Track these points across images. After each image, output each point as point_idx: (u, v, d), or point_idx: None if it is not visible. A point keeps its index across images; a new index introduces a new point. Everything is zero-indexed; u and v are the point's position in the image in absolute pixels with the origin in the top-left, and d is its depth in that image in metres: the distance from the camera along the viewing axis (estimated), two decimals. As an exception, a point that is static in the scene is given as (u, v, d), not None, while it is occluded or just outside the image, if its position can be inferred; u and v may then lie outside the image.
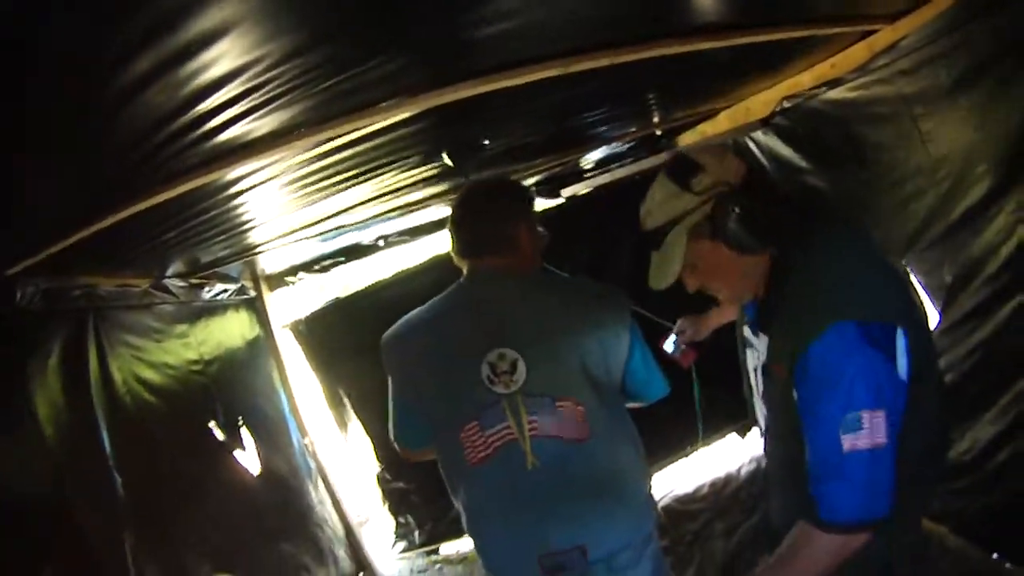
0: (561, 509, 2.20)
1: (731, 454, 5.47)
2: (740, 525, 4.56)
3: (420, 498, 5.39)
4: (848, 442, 1.73)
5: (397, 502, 5.50)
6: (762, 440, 2.37)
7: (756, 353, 2.16)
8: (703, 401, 3.68)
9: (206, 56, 1.40)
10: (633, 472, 2.33)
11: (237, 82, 1.56)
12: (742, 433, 5.42)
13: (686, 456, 5.42)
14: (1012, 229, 2.73)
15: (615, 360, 2.26)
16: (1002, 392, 2.98)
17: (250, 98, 1.66)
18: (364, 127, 2.07)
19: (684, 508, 5.02)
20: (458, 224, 2.36)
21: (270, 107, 1.74)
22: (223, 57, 1.43)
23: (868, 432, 1.72)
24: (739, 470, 5.27)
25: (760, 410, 2.28)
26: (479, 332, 2.21)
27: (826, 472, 1.80)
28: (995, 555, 3.21)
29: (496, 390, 2.17)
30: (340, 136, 2.10)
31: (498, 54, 1.95)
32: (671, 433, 5.02)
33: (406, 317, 2.38)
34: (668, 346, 3.15)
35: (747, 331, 2.23)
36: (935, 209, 3.06)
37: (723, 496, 5.05)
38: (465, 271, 2.37)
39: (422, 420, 2.34)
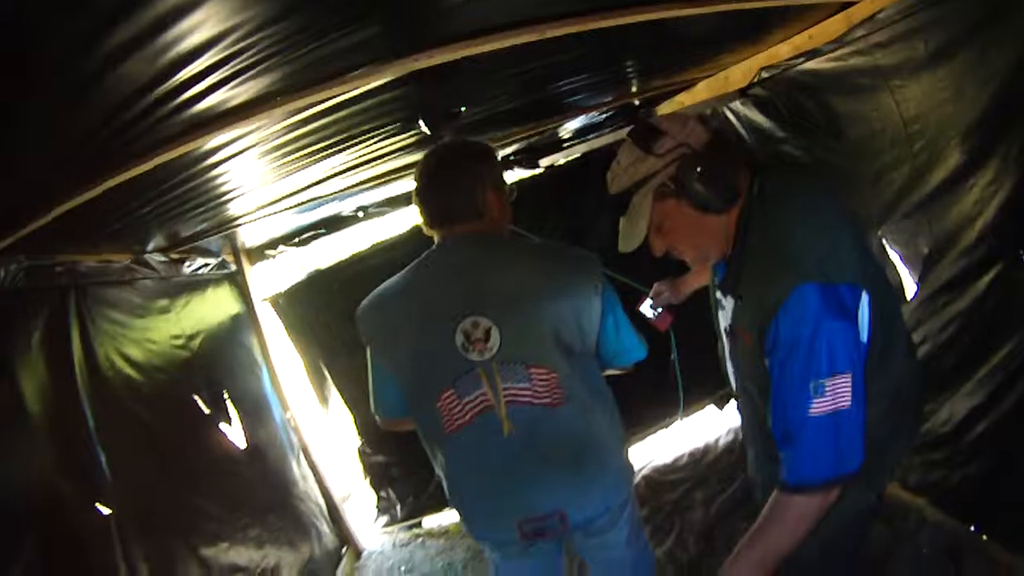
0: (539, 475, 2.24)
1: (709, 425, 5.54)
2: (719, 495, 4.61)
3: (401, 471, 5.41)
4: (813, 408, 1.79)
5: (378, 476, 5.53)
6: (735, 398, 2.44)
7: (725, 315, 2.23)
8: (681, 366, 3.72)
9: (181, 27, 1.40)
10: (609, 438, 2.36)
11: (212, 52, 1.56)
12: (720, 405, 5.49)
13: (666, 427, 5.50)
14: (988, 200, 2.75)
15: (588, 325, 2.27)
16: (979, 364, 3.00)
17: (226, 67, 1.67)
18: (341, 94, 2.07)
19: (663, 478, 5.06)
20: (423, 193, 2.35)
21: (246, 75, 1.75)
22: (198, 27, 1.44)
23: (831, 397, 1.78)
24: (717, 440, 5.32)
25: (731, 370, 2.37)
26: (452, 300, 2.21)
27: (792, 436, 1.86)
28: (972, 528, 3.26)
29: (471, 357, 2.18)
30: (317, 103, 2.09)
31: (473, 20, 1.95)
32: (651, 404, 5.09)
33: (380, 287, 2.37)
34: (645, 309, 3.19)
35: (718, 293, 2.29)
36: (911, 180, 3.07)
37: (702, 466, 5.10)
38: (436, 239, 2.36)
39: (399, 388, 2.35)
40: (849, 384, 1.78)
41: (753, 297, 1.95)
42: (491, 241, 2.32)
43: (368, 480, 5.58)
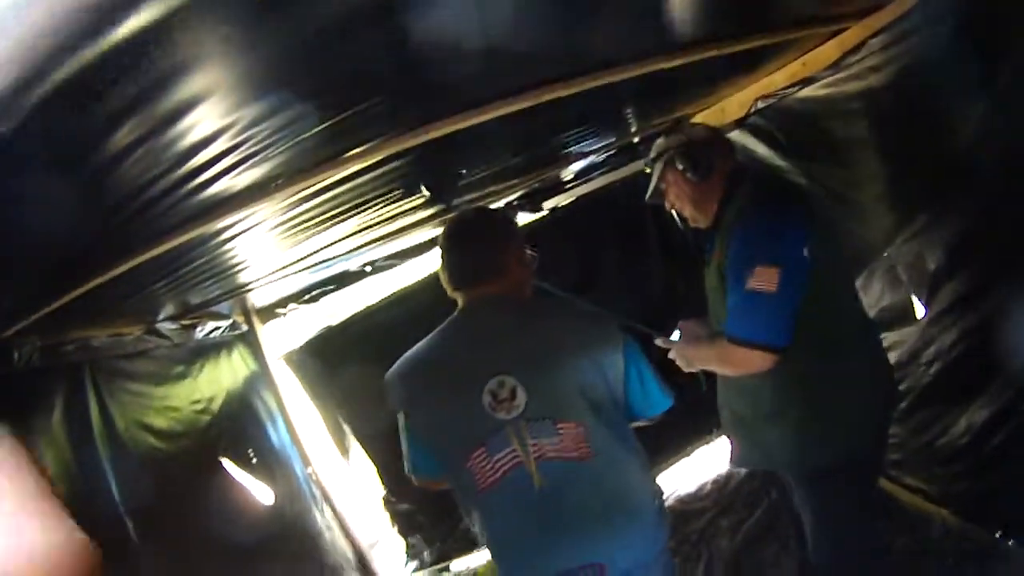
0: (572, 528, 2.23)
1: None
2: (744, 521, 4.60)
3: (427, 518, 5.39)
4: (748, 284, 2.45)
5: (405, 524, 5.50)
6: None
7: (711, 275, 2.86)
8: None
9: (186, 122, 1.45)
10: (640, 487, 2.38)
11: (216, 143, 1.61)
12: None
13: (687, 456, 5.48)
14: (992, 220, 2.79)
15: (613, 379, 2.31)
16: (991, 378, 3.03)
17: (230, 156, 1.72)
18: (341, 171, 2.13)
19: (688, 507, 5.05)
20: (448, 257, 2.44)
21: (250, 163, 1.80)
22: (202, 122, 1.49)
23: (763, 280, 2.43)
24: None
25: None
26: (478, 362, 2.26)
27: (735, 305, 2.53)
28: (998, 535, 3.26)
29: (499, 416, 2.21)
30: (320, 181, 2.15)
31: (469, 92, 2.00)
32: (672, 433, 5.09)
33: (407, 354, 2.42)
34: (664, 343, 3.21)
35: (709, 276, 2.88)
36: (915, 202, 3.11)
37: (726, 493, 5.08)
38: (460, 302, 2.44)
39: (431, 451, 2.38)
40: (777, 276, 2.41)
41: (726, 229, 2.71)
42: (514, 302, 2.40)
43: (395, 528, 5.55)
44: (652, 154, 3.00)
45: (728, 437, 3.17)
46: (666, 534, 2.45)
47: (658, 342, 3.16)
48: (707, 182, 2.82)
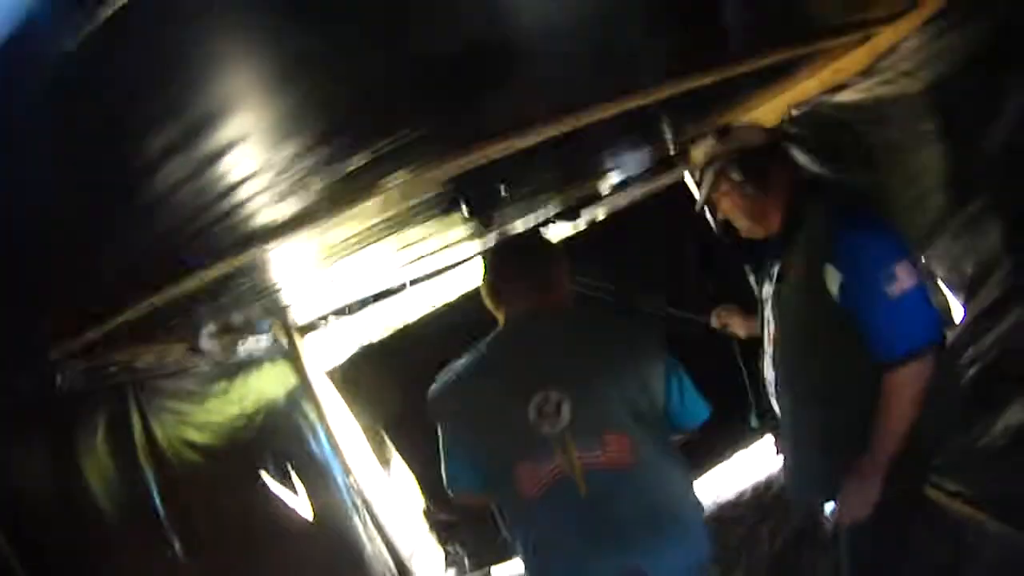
0: (616, 537, 2.23)
1: (770, 457, 5.45)
2: (784, 527, 4.56)
3: (466, 528, 5.43)
4: (894, 289, 2.18)
5: (444, 534, 5.56)
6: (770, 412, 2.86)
7: (768, 292, 2.65)
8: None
9: (228, 160, 1.48)
10: (684, 498, 2.39)
11: (257, 179, 1.64)
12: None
13: (725, 461, 5.47)
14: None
15: (654, 388, 2.31)
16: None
17: (271, 190, 1.74)
18: (382, 197, 2.14)
19: (727, 514, 5.02)
20: (496, 274, 2.49)
21: (290, 195, 1.83)
22: (243, 160, 1.52)
23: (906, 275, 2.18)
24: (779, 473, 5.25)
25: (769, 376, 2.73)
26: (523, 375, 2.27)
27: (888, 320, 2.24)
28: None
29: (544, 430, 2.22)
30: (360, 205, 2.16)
31: (508, 116, 2.01)
32: (709, 438, 5.06)
33: (449, 368, 2.44)
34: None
35: (764, 289, 2.70)
36: (950, 204, 3.08)
37: (765, 499, 5.05)
38: (502, 318, 2.46)
39: (473, 466, 2.39)
40: (911, 265, 2.20)
41: (807, 241, 2.42)
42: (556, 315, 2.42)
43: (435, 537, 5.60)
44: (701, 159, 2.69)
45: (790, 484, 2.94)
46: (708, 549, 2.43)
47: (712, 322, 3.34)
48: (766, 192, 2.53)
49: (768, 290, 2.66)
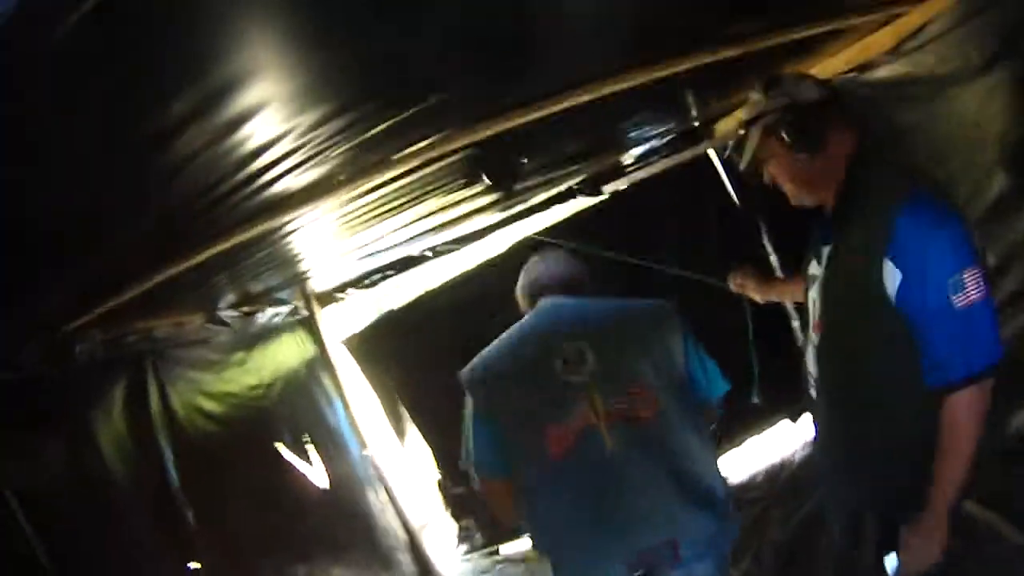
0: (645, 497, 2.21)
1: (784, 440, 5.43)
2: (796, 511, 4.53)
3: (480, 502, 5.41)
4: (960, 300, 1.88)
5: (458, 507, 5.57)
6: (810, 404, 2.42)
7: (817, 278, 2.30)
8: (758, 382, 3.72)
9: (248, 127, 1.45)
10: (710, 467, 2.37)
11: (278, 146, 1.61)
12: (794, 418, 5.36)
13: (738, 446, 5.45)
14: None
15: (677, 357, 2.33)
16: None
17: (292, 157, 1.71)
18: (403, 167, 2.11)
19: (740, 496, 4.97)
20: (531, 280, 2.54)
21: (311, 163, 1.79)
22: (264, 126, 1.49)
23: (973, 287, 1.87)
24: (793, 456, 5.22)
25: (811, 365, 2.37)
26: (551, 335, 2.31)
27: (948, 334, 1.93)
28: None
29: (571, 378, 2.24)
30: (381, 175, 2.13)
31: (531, 85, 1.97)
32: (724, 421, 5.04)
33: (482, 353, 2.44)
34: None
35: (812, 267, 2.35)
36: (974, 190, 3.02)
37: (778, 483, 5.01)
38: (530, 308, 2.50)
39: (504, 440, 2.35)
40: (980, 277, 1.89)
41: (864, 227, 2.06)
42: (582, 298, 2.48)
43: (449, 511, 5.63)
44: (745, 115, 2.28)
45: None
46: (734, 523, 2.40)
47: (732, 284, 3.17)
48: (820, 158, 2.14)
49: (816, 271, 2.33)
